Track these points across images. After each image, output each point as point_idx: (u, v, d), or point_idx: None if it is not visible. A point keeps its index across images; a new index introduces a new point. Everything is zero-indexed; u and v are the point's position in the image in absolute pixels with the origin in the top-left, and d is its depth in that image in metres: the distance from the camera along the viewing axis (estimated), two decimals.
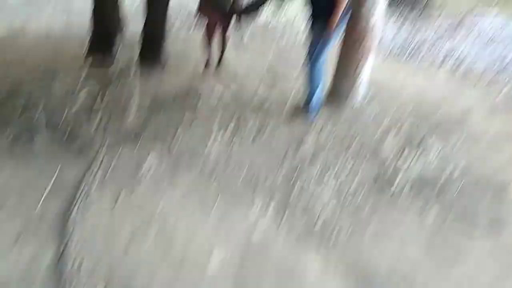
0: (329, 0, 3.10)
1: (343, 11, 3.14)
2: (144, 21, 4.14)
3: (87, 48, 4.07)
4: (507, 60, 7.21)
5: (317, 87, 3.39)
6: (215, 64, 4.29)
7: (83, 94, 3.30)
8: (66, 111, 3.09)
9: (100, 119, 3.02)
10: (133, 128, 2.99)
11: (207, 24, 4.04)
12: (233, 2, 3.78)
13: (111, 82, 3.61)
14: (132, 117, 3.05)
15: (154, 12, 4.06)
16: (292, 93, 3.90)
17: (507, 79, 5.79)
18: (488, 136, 3.37)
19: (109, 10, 4.01)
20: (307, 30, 3.37)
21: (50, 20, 6.00)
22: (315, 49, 3.28)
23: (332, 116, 3.45)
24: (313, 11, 3.31)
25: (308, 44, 3.35)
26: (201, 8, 3.97)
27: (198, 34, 5.65)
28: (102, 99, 3.29)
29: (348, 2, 3.15)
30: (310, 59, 3.33)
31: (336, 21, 3.12)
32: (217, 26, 4.05)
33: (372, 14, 3.48)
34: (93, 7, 4.08)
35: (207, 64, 4.24)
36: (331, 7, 3.09)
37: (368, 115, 3.55)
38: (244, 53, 4.81)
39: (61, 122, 2.96)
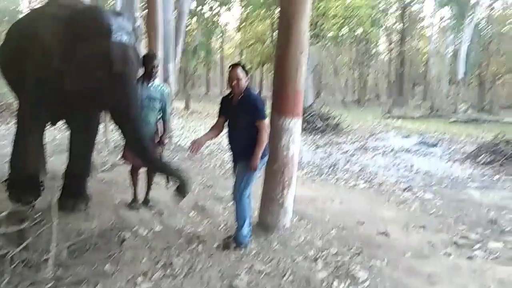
0: (247, 140, 3.33)
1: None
2: (68, 158, 4.05)
3: (7, 189, 3.78)
4: (413, 169, 8.06)
5: (244, 221, 3.44)
6: (140, 201, 4.23)
7: None
8: None
9: (15, 268, 2.67)
10: (52, 276, 2.67)
11: (132, 166, 4.16)
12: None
13: (30, 224, 3.32)
14: (51, 262, 2.75)
15: (79, 149, 4.01)
16: (220, 228, 3.88)
17: (417, 190, 6.37)
18: (407, 257, 3.53)
19: (34, 150, 3.84)
20: (231, 169, 3.53)
21: None
22: (239, 186, 3.39)
23: (262, 249, 3.44)
24: (232, 152, 3.53)
25: (233, 181, 3.48)
26: (125, 155, 4.11)
27: (120, 174, 5.69)
28: (18, 244, 2.96)
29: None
30: (236, 195, 3.42)
31: (258, 159, 3.31)
32: (141, 167, 4.16)
33: (290, 146, 3.77)
34: (15, 147, 3.89)
35: (133, 201, 4.18)
36: (251, 147, 3.30)
37: (296, 244, 3.59)
38: (169, 190, 4.79)
39: None
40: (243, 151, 3.38)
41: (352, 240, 3.79)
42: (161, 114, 4.10)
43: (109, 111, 3.49)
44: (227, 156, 8.40)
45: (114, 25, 3.24)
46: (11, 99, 13.48)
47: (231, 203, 4.54)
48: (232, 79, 3.30)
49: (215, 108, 16.04)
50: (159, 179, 4.29)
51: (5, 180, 3.83)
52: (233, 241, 3.44)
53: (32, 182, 3.80)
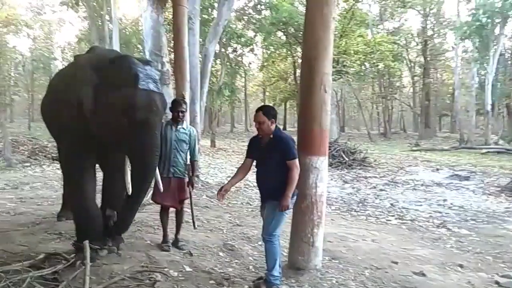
0: (276, 181, 3.35)
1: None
2: (102, 199, 4.18)
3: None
4: (446, 204, 7.81)
5: (275, 262, 3.40)
6: (171, 242, 4.25)
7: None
8: None
9: None
10: None
11: (162, 207, 4.24)
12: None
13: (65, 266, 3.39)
14: None
15: (113, 191, 4.13)
16: (250, 269, 3.83)
17: (451, 226, 6.15)
18: None
19: (92, 198, 3.97)
20: (259, 208, 3.54)
21: None
22: (269, 227, 3.39)
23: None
24: (261, 192, 3.56)
25: (263, 222, 3.48)
26: (154, 196, 4.20)
27: (150, 214, 5.77)
28: (54, 286, 3.02)
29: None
30: (265, 236, 3.42)
31: (289, 199, 3.31)
32: (171, 208, 4.23)
33: (318, 184, 3.76)
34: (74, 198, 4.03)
35: (164, 242, 4.21)
36: (280, 188, 3.31)
37: (328, 286, 3.50)
38: (198, 230, 4.82)
39: None
40: (273, 191, 3.39)
41: (387, 281, 3.66)
42: (190, 155, 4.21)
43: (129, 155, 3.63)
44: (255, 193, 8.41)
45: (141, 74, 3.42)
46: (45, 142, 14.10)
47: (260, 242, 4.53)
48: (255, 122, 3.42)
49: (240, 145, 16.36)
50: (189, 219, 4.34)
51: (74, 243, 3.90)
52: (263, 283, 3.39)
53: (96, 229, 3.87)
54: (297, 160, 3.40)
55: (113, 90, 3.39)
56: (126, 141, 3.47)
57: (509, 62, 30.33)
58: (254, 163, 3.57)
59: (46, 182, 8.91)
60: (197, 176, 6.76)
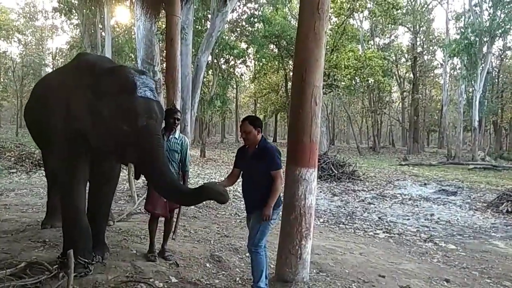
0: (261, 191, 3.36)
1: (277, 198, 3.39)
2: (87, 209, 4.08)
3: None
4: (434, 219, 7.87)
5: (261, 274, 3.38)
6: (157, 252, 4.19)
7: None
8: None
9: None
10: None
11: (151, 216, 4.21)
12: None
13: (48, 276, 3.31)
14: None
15: (100, 200, 4.07)
16: (237, 280, 3.80)
17: (438, 241, 6.18)
18: None
19: (82, 207, 3.86)
20: (246, 219, 3.53)
21: None
22: (254, 237, 3.38)
23: None
24: (246, 202, 3.59)
25: (249, 233, 3.48)
26: (147, 206, 4.19)
27: (137, 223, 5.70)
28: None
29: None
30: (251, 247, 3.41)
31: (271, 208, 3.31)
32: (160, 217, 4.19)
33: (307, 196, 3.76)
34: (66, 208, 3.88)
35: (150, 251, 4.15)
36: (265, 198, 3.32)
37: None
38: (185, 241, 4.78)
39: None
40: (257, 201, 3.40)
41: None
42: (181, 165, 4.17)
43: (136, 163, 3.55)
44: (243, 204, 8.37)
45: (138, 82, 3.42)
46: (33, 149, 13.91)
47: (247, 254, 4.50)
48: (241, 132, 3.45)
49: (230, 156, 16.32)
50: (175, 230, 4.29)
51: (60, 256, 3.80)
52: None
53: (87, 243, 3.78)
54: (281, 171, 3.42)
55: (110, 99, 3.37)
56: (129, 150, 3.39)
57: (496, 80, 31.00)
58: (242, 172, 3.59)
59: (32, 189, 8.78)
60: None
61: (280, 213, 3.68)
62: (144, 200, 7.13)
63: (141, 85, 3.42)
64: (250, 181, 3.50)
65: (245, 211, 7.56)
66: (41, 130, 4.12)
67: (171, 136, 4.09)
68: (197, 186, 3.37)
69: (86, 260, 3.54)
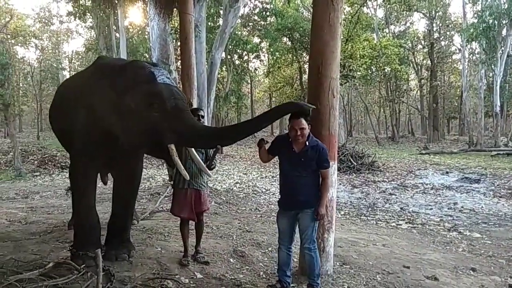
0: (312, 188, 3.37)
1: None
2: (112, 208, 4.19)
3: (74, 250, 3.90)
4: (457, 207, 7.75)
5: (320, 268, 3.48)
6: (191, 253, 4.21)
7: None
8: None
9: None
10: None
11: (181, 220, 4.17)
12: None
13: (77, 275, 3.41)
14: None
15: (124, 199, 4.15)
16: (261, 275, 3.82)
17: (463, 230, 6.09)
18: None
19: (93, 207, 4.00)
20: (283, 215, 3.52)
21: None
22: (312, 236, 3.41)
23: None
24: (292, 199, 3.45)
25: (303, 232, 3.44)
26: (173, 209, 4.16)
27: (160, 221, 5.79)
28: None
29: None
30: (310, 246, 3.41)
31: (325, 207, 3.35)
32: (190, 220, 4.16)
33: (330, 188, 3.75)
34: (77, 207, 4.11)
35: (184, 256, 4.13)
36: (316, 196, 3.36)
37: None
38: (208, 237, 4.83)
39: None
40: (308, 199, 3.34)
41: (399, 286, 3.63)
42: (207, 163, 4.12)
43: (179, 142, 3.48)
44: (263, 199, 8.41)
45: (155, 71, 3.48)
46: (54, 151, 14.24)
47: (270, 248, 4.53)
48: (295, 129, 3.29)
49: (247, 151, 16.32)
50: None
51: (71, 248, 3.95)
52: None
53: (95, 237, 3.93)
54: (330, 170, 3.42)
55: (134, 92, 3.40)
56: (166, 134, 3.34)
57: None
58: (282, 167, 3.50)
59: (55, 191, 9.00)
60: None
61: None
62: (165, 198, 7.30)
63: (158, 73, 3.46)
64: (297, 178, 3.35)
65: (265, 206, 7.64)
66: (64, 132, 4.23)
67: None
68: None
69: (92, 255, 3.60)
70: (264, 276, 3.81)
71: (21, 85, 31.86)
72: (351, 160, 12.67)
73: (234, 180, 10.68)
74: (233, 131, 3.49)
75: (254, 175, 11.80)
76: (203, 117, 4.20)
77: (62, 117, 4.17)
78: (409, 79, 34.84)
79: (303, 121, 3.29)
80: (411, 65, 32.36)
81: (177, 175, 4.04)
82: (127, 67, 3.66)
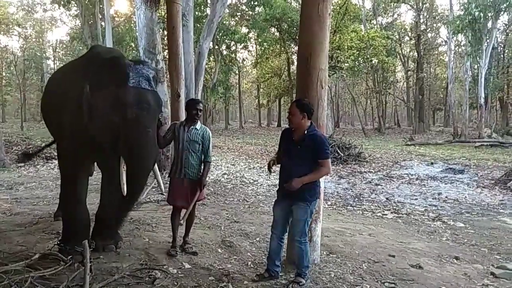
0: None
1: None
2: (100, 199, 4.17)
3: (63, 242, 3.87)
4: (441, 198, 7.89)
5: (309, 259, 3.47)
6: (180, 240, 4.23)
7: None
8: None
9: None
10: None
11: (173, 210, 4.19)
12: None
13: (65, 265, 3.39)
14: None
15: (111, 191, 4.10)
16: (249, 264, 3.85)
17: (447, 219, 6.21)
18: None
19: (81, 197, 3.94)
20: (280, 204, 3.53)
21: None
22: (303, 229, 3.41)
23: (292, 285, 3.37)
24: (284, 190, 3.45)
25: (294, 225, 3.46)
26: (168, 198, 4.21)
27: (147, 212, 5.77)
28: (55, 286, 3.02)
29: None
30: (301, 238, 3.42)
31: (302, 182, 3.27)
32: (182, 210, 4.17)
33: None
34: (64, 198, 4.12)
35: (173, 246, 4.14)
36: (313, 188, 3.38)
37: (327, 280, 3.52)
38: (196, 228, 4.83)
39: None
40: (302, 191, 3.31)
41: (385, 274, 3.70)
42: (203, 156, 4.14)
43: (123, 155, 3.54)
44: (251, 189, 8.43)
45: (131, 72, 3.40)
46: (39, 142, 14.02)
47: (258, 239, 4.56)
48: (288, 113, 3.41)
49: (234, 143, 16.30)
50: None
51: (59, 243, 3.91)
52: (297, 279, 3.40)
53: (84, 229, 3.91)
54: (329, 161, 3.37)
55: (104, 90, 3.37)
56: (121, 142, 3.39)
57: (502, 55, 30.58)
58: (282, 157, 3.50)
59: (40, 182, 8.87)
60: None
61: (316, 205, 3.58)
62: (152, 189, 7.26)
63: (134, 75, 3.38)
64: (293, 167, 3.33)
65: (253, 197, 7.66)
66: (52, 124, 4.21)
67: (192, 127, 4.06)
68: None
69: (80, 249, 3.53)
70: (252, 266, 3.84)
71: (4, 74, 31.20)
72: (338, 151, 12.75)
73: (222, 171, 10.67)
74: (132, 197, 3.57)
75: (242, 166, 11.80)
76: (201, 111, 4.14)
77: (52, 107, 4.09)
78: (396, 70, 35.16)
79: (294, 108, 3.35)
80: (398, 56, 32.61)
81: (173, 166, 4.08)
82: (108, 62, 3.59)
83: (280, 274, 3.54)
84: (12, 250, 3.84)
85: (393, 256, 4.17)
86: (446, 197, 7.96)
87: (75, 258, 3.49)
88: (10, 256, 3.63)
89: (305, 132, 3.34)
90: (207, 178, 4.26)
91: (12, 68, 30.18)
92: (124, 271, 3.43)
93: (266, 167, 3.54)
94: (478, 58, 21.96)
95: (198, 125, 4.12)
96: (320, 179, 3.65)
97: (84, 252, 3.25)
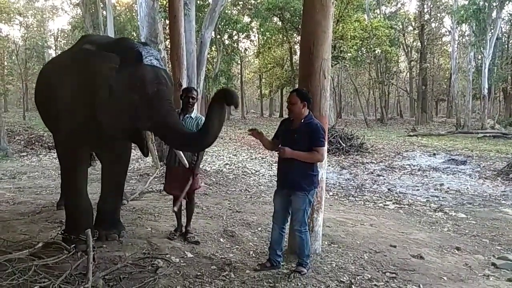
0: (305, 168, 3.34)
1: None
2: (101, 189, 4.19)
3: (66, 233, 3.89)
4: (443, 188, 7.89)
5: (310, 248, 3.49)
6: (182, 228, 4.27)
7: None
8: None
9: None
10: None
11: (174, 197, 4.21)
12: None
13: (68, 254, 3.41)
14: None
15: (113, 180, 4.13)
16: (251, 254, 3.87)
17: (448, 210, 6.21)
18: (444, 281, 3.45)
19: (83, 188, 3.94)
20: (279, 193, 3.53)
21: None
22: (303, 219, 3.42)
23: (294, 275, 3.39)
24: (284, 178, 3.47)
25: (293, 215, 3.48)
26: (166, 187, 4.24)
27: (149, 202, 5.79)
28: (57, 274, 3.04)
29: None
30: (301, 229, 3.43)
31: (296, 155, 3.28)
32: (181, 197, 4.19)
33: (318, 170, 3.75)
34: (65, 187, 4.14)
35: (175, 231, 4.23)
36: (310, 177, 3.38)
37: (328, 270, 3.54)
38: (198, 217, 4.85)
39: None
40: (300, 180, 3.33)
41: (386, 264, 3.71)
42: None
43: (152, 130, 3.53)
44: (252, 180, 8.45)
45: (143, 51, 3.40)
46: (41, 132, 14.04)
47: (260, 228, 4.58)
48: (287, 103, 3.40)
49: (236, 133, 16.27)
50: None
51: (62, 232, 3.93)
52: (298, 269, 3.42)
53: (86, 218, 3.91)
54: (324, 149, 3.38)
55: (118, 71, 3.34)
56: (143, 120, 3.36)
57: (506, 46, 30.29)
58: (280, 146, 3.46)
59: (43, 171, 8.91)
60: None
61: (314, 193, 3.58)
62: (155, 179, 7.29)
63: (146, 54, 3.39)
64: (290, 159, 3.32)
65: (255, 187, 7.67)
66: (48, 114, 4.14)
67: (187, 115, 4.06)
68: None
69: (84, 238, 3.55)
70: (254, 255, 3.86)
71: (5, 63, 31.09)
72: (340, 141, 12.73)
73: (224, 162, 10.68)
74: (195, 138, 3.39)
75: (244, 157, 11.81)
76: (194, 98, 4.13)
77: (47, 97, 4.06)
78: (399, 61, 34.90)
79: (294, 97, 3.35)
80: (401, 47, 32.34)
81: (169, 154, 4.10)
82: (115, 45, 3.59)
83: (281, 264, 3.56)
84: (15, 239, 3.87)
85: (395, 247, 4.19)
86: (448, 188, 7.95)
87: (79, 247, 3.52)
88: (13, 245, 3.65)
89: (302, 120, 3.37)
90: (200, 166, 4.29)
91: (13, 58, 30.06)
92: (127, 260, 3.46)
93: (249, 130, 3.52)
94: (482, 49, 21.75)
95: (194, 113, 4.12)
96: (321, 170, 3.68)
97: (87, 241, 3.26)
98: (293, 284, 3.22)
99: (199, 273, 3.35)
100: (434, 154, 12.60)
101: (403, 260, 3.83)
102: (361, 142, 13.30)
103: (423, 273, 3.54)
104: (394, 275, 3.47)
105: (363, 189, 7.93)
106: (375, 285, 3.27)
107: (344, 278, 3.37)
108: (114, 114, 3.40)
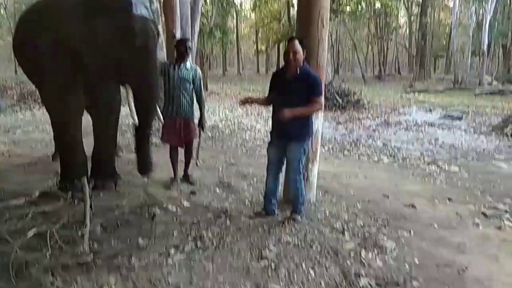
0: (301, 118, 3.31)
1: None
2: (94, 140, 4.18)
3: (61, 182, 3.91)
4: (438, 143, 7.95)
5: (304, 197, 3.54)
6: (179, 178, 4.35)
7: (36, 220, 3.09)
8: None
9: (52, 248, 2.77)
10: (88, 253, 2.75)
11: (170, 146, 4.29)
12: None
13: (65, 203, 3.46)
14: (87, 238, 2.83)
15: (104, 132, 4.12)
16: (246, 203, 3.93)
17: (442, 164, 6.27)
18: (434, 228, 3.53)
19: (78, 138, 3.94)
20: (274, 145, 3.54)
21: None
22: (298, 168, 3.44)
23: (288, 222, 3.46)
24: (281, 129, 3.42)
25: (289, 164, 3.49)
26: (163, 136, 4.29)
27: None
28: (55, 221, 3.09)
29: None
30: (296, 177, 3.46)
31: (294, 114, 3.20)
32: (179, 146, 4.28)
33: (314, 121, 3.74)
34: (61, 138, 4.08)
35: (172, 180, 4.32)
36: (306, 126, 3.38)
37: (322, 217, 3.62)
38: (194, 168, 4.88)
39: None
40: (296, 130, 3.31)
41: (378, 212, 3.79)
42: (197, 99, 4.17)
43: (130, 84, 3.50)
44: (248, 135, 8.45)
45: (134, 0, 3.29)
46: (33, 87, 13.82)
47: (255, 179, 4.63)
48: (288, 52, 3.24)
49: (232, 89, 16.07)
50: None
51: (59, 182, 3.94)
52: (293, 216, 3.50)
53: (81, 166, 3.94)
54: (322, 98, 3.34)
55: (106, 17, 3.24)
56: (125, 70, 3.34)
57: (508, 1, 29.47)
58: (275, 97, 3.47)
59: (37, 125, 8.84)
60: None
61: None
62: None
63: (136, 2, 3.28)
64: (286, 106, 3.20)
65: (250, 142, 7.67)
66: (31, 61, 3.93)
67: (182, 65, 4.00)
68: None
69: (79, 185, 3.58)
70: (249, 204, 3.93)
71: None
72: (337, 97, 12.64)
73: (219, 117, 10.63)
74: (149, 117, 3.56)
75: (239, 112, 11.74)
76: (190, 49, 4.06)
77: (28, 45, 3.83)
78: (399, 15, 34.01)
79: (297, 45, 3.24)
80: (402, 0, 31.40)
81: (165, 104, 4.08)
82: None
83: (276, 212, 3.63)
84: (12, 189, 3.90)
85: (387, 197, 4.27)
86: (442, 142, 8.00)
87: (75, 196, 3.56)
88: (10, 194, 3.68)
89: (298, 70, 3.28)
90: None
91: (2, 12, 29.03)
92: (124, 208, 3.51)
93: (240, 100, 3.54)
94: (483, 3, 21.19)
95: (188, 64, 4.08)
96: (317, 121, 3.67)
97: (84, 188, 3.29)
98: (287, 230, 3.30)
99: (195, 220, 3.42)
100: (431, 110, 12.58)
101: (395, 209, 3.91)
102: (358, 98, 13.21)
103: (415, 221, 3.63)
104: (386, 222, 3.56)
105: (358, 144, 7.95)
106: (367, 231, 3.36)
107: (337, 224, 3.46)
108: (98, 59, 3.37)
